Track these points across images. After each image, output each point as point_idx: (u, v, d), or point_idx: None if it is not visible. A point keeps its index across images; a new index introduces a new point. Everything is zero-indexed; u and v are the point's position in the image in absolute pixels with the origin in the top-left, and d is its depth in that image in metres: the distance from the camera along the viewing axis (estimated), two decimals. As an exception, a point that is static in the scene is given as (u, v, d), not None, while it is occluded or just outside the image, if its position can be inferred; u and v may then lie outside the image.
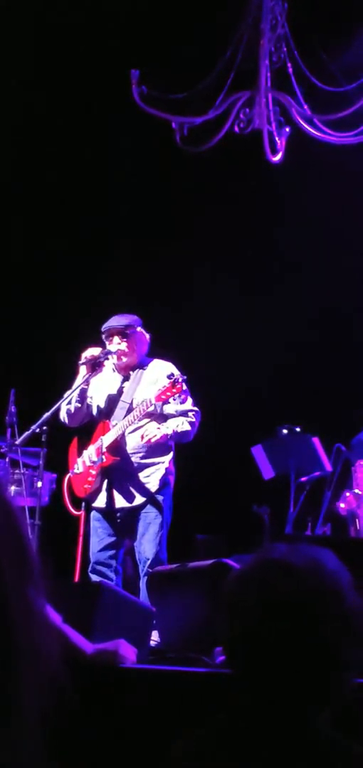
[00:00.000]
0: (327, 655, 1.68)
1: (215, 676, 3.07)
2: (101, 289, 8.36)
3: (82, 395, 6.06)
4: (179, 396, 5.86)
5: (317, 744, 1.69)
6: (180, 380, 5.71)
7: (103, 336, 6.09)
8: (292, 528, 7.47)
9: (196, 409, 5.97)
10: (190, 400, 5.97)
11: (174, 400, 5.82)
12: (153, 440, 5.77)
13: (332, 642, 1.68)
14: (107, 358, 6.01)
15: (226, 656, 1.79)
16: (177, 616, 4.03)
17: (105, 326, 6.09)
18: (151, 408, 5.82)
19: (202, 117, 6.04)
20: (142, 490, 5.87)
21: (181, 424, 5.88)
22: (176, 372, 5.91)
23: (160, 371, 5.98)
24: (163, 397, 5.73)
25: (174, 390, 5.70)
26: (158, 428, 5.79)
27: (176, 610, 4.05)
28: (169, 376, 5.74)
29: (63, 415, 6.09)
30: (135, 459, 5.91)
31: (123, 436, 5.92)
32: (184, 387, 5.95)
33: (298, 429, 7.80)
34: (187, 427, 5.89)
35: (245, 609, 1.71)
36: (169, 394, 5.72)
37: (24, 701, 1.33)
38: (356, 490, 7.41)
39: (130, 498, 5.89)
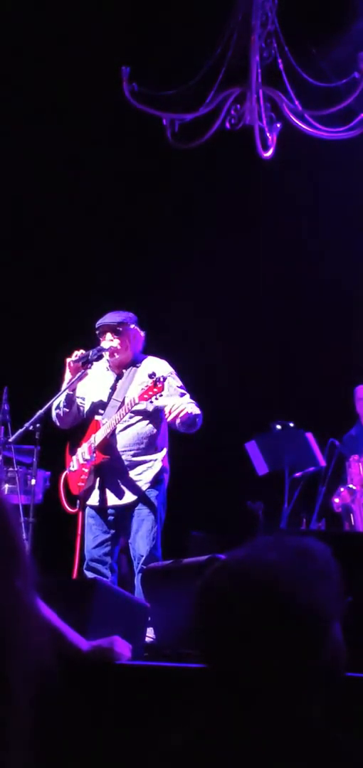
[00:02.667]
0: (312, 648, 1.65)
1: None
2: (95, 285, 8.35)
3: (69, 400, 6.03)
4: (176, 391, 5.83)
5: (306, 738, 1.64)
6: (161, 379, 5.66)
7: (97, 332, 6.08)
8: (286, 524, 7.47)
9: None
10: (187, 396, 5.94)
11: (165, 395, 5.79)
12: (181, 414, 5.60)
13: (317, 635, 1.65)
14: (101, 356, 5.99)
15: (202, 650, 1.71)
16: (171, 613, 4.03)
17: (98, 323, 6.08)
18: (141, 406, 5.79)
19: (193, 114, 6.04)
20: (134, 487, 5.86)
21: (193, 408, 5.75)
22: (164, 371, 5.86)
23: (153, 369, 5.94)
24: (146, 396, 5.67)
25: (155, 389, 5.63)
26: (182, 405, 5.62)
27: (171, 606, 4.05)
28: (151, 375, 5.65)
29: (53, 418, 6.09)
30: (126, 457, 5.90)
31: (113, 434, 5.91)
32: (179, 383, 5.93)
33: (291, 424, 7.80)
34: (198, 410, 5.76)
35: (224, 602, 1.67)
36: (151, 393, 5.64)
37: (12, 693, 1.33)
38: (350, 485, 7.42)
39: (121, 495, 5.88)
